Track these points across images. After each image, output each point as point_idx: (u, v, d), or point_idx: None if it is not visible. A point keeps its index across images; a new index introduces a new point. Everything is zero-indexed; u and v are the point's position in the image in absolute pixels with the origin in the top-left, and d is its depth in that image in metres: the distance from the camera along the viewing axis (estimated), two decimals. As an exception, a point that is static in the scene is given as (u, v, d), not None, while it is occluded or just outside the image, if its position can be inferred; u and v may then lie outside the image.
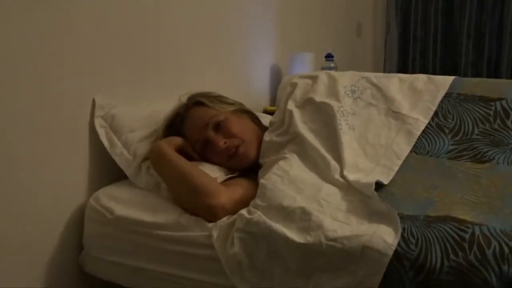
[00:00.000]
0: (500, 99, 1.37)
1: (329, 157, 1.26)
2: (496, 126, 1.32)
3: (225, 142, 1.37)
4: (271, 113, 1.67)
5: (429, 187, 1.16)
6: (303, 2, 2.97)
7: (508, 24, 3.63)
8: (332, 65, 2.76)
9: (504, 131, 1.30)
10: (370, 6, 4.12)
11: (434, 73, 3.86)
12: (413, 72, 3.96)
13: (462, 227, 0.97)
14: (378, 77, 1.51)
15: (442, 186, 1.15)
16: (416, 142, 1.31)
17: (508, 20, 3.62)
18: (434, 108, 1.38)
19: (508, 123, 1.32)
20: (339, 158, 1.26)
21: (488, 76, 3.74)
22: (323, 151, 1.28)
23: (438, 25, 3.88)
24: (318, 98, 1.43)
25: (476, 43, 3.76)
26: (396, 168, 1.23)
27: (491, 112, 1.35)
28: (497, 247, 0.93)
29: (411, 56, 3.99)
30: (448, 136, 1.32)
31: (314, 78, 1.51)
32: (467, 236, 0.95)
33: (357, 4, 3.92)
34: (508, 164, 1.20)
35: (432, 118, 1.37)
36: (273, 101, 2.59)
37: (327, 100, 1.41)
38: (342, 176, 1.21)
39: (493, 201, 1.07)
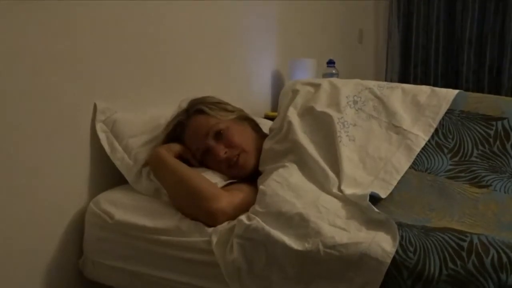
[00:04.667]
0: (501, 119, 1.36)
1: (328, 169, 1.26)
2: (495, 149, 1.31)
3: (225, 152, 1.38)
4: (272, 118, 1.68)
5: (426, 208, 1.16)
6: (305, 8, 2.98)
7: (509, 32, 3.63)
8: (334, 71, 2.77)
9: (503, 156, 1.30)
10: (371, 13, 4.13)
11: (436, 80, 3.88)
12: (414, 78, 3.97)
13: (460, 236, 0.97)
14: (381, 87, 1.50)
15: (439, 208, 1.16)
16: (415, 159, 1.30)
17: (509, 28, 3.63)
18: (435, 125, 1.38)
19: (508, 146, 1.31)
20: (337, 171, 1.26)
21: (490, 83, 3.74)
22: (322, 163, 1.28)
23: (440, 32, 3.89)
24: (319, 107, 1.42)
25: (477, 50, 3.77)
26: (394, 183, 1.23)
27: (492, 133, 1.34)
28: (496, 256, 0.93)
29: (412, 63, 4.00)
30: (447, 156, 1.32)
31: (316, 86, 1.51)
32: (465, 244, 0.95)
33: (359, 11, 3.93)
34: (505, 192, 1.20)
35: (432, 136, 1.36)
36: (274, 107, 2.60)
37: (328, 110, 1.41)
38: (340, 190, 1.21)
39: (490, 226, 1.07)
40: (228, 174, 1.39)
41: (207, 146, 1.39)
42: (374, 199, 1.16)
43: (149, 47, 1.68)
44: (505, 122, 1.36)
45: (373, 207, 1.10)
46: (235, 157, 1.38)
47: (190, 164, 1.38)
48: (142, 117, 1.55)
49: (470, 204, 1.17)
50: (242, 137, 1.43)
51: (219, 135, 1.40)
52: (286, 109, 1.46)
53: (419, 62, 3.98)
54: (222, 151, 1.37)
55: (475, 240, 0.96)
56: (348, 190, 1.20)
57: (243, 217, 1.14)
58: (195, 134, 1.42)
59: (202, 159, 1.41)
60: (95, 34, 1.44)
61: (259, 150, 1.42)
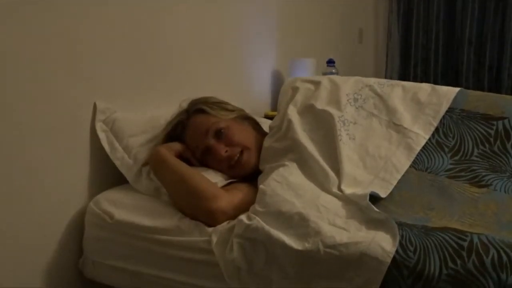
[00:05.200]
0: (502, 118, 1.36)
1: (328, 169, 1.26)
2: (495, 149, 1.31)
3: (226, 151, 1.37)
4: (272, 118, 1.67)
5: (426, 207, 1.16)
6: (304, 7, 2.98)
7: (509, 31, 3.63)
8: (334, 70, 2.77)
9: (503, 155, 1.29)
10: (371, 12, 4.12)
11: (436, 79, 3.88)
12: (414, 78, 3.96)
13: (460, 236, 0.97)
14: (381, 85, 1.49)
15: (438, 208, 1.15)
16: (415, 158, 1.30)
17: (509, 27, 3.63)
18: (435, 124, 1.37)
19: (508, 146, 1.31)
20: (337, 170, 1.26)
21: (490, 83, 3.74)
22: (322, 162, 1.28)
23: (440, 32, 3.89)
24: (319, 105, 1.42)
25: (477, 50, 3.76)
26: (394, 182, 1.23)
27: (492, 132, 1.34)
28: (496, 255, 0.93)
29: (412, 63, 3.99)
30: (448, 155, 1.31)
31: (316, 84, 1.50)
32: (465, 244, 0.95)
33: (359, 10, 3.93)
34: (505, 192, 1.20)
35: (433, 135, 1.36)
36: (274, 106, 2.60)
37: (328, 108, 1.40)
38: (340, 189, 1.21)
39: (490, 225, 1.07)
40: (228, 173, 1.39)
41: (208, 144, 1.39)
42: (374, 198, 1.16)
43: (149, 47, 1.67)
44: (506, 121, 1.35)
45: (373, 206, 1.09)
46: (236, 156, 1.38)
47: (190, 164, 1.38)
48: (142, 116, 1.55)
49: (470, 203, 1.17)
50: (243, 136, 1.43)
51: (219, 134, 1.40)
52: (286, 107, 1.45)
53: (419, 62, 3.98)
54: (223, 150, 1.37)
55: (475, 240, 0.96)
56: (348, 190, 1.20)
57: (243, 217, 1.14)
58: (195, 133, 1.42)
59: (203, 158, 1.41)
60: (95, 34, 1.44)
61: (260, 149, 1.41)
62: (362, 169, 1.28)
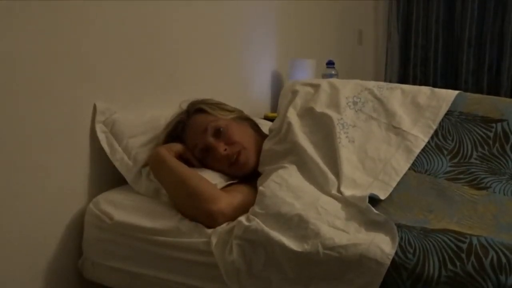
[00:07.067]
0: (501, 121, 1.36)
1: (327, 171, 1.26)
2: (494, 151, 1.31)
3: (225, 149, 1.38)
4: (271, 119, 1.68)
5: (425, 209, 1.16)
6: (304, 9, 2.98)
7: (509, 32, 3.63)
8: (333, 72, 2.77)
9: (502, 158, 1.30)
10: (371, 13, 4.13)
11: (435, 81, 3.88)
12: (414, 79, 3.96)
13: (460, 237, 0.97)
14: (381, 88, 1.50)
15: (438, 210, 1.16)
16: (415, 160, 1.30)
17: (509, 28, 3.63)
18: (434, 127, 1.37)
19: (507, 148, 1.31)
20: (337, 173, 1.26)
21: (489, 83, 3.74)
22: (322, 164, 1.28)
23: (439, 33, 3.89)
24: (319, 108, 1.42)
25: (477, 51, 3.76)
26: (394, 184, 1.23)
27: (491, 135, 1.34)
28: (495, 257, 0.93)
29: (412, 64, 3.99)
30: (447, 158, 1.32)
31: (316, 87, 1.51)
32: (464, 246, 0.96)
33: (358, 11, 3.93)
34: (504, 194, 1.20)
35: (432, 138, 1.36)
36: (273, 108, 2.60)
37: (328, 111, 1.41)
38: (339, 191, 1.21)
39: (489, 228, 1.08)
40: (228, 172, 1.39)
41: (207, 143, 1.39)
42: (374, 200, 1.16)
43: (149, 47, 1.68)
44: (505, 124, 1.36)
45: (372, 208, 1.10)
46: (235, 155, 1.38)
47: (190, 165, 1.38)
48: (142, 117, 1.55)
49: (469, 205, 1.17)
50: (242, 135, 1.43)
51: (218, 133, 1.40)
52: (285, 110, 1.46)
53: (418, 63, 3.98)
54: (222, 148, 1.38)
55: (474, 242, 0.96)
56: (348, 192, 1.20)
57: (242, 218, 1.14)
58: (195, 131, 1.42)
59: (202, 157, 1.41)
60: (95, 34, 1.45)
61: (259, 150, 1.42)
62: (362, 171, 1.28)
